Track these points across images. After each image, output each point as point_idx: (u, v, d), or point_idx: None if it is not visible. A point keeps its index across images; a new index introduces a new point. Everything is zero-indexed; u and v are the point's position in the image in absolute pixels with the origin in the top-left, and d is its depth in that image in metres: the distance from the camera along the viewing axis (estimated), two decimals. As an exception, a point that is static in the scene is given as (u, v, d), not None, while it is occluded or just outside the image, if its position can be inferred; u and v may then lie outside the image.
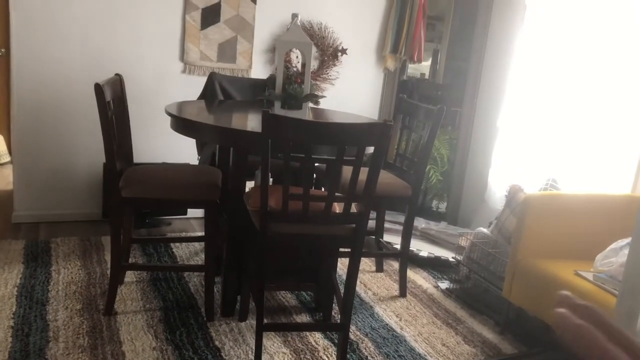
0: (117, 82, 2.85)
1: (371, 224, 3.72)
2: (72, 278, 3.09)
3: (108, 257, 3.18)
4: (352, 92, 4.52)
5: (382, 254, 3.50)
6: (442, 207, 4.64)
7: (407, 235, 3.19)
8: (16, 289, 2.91)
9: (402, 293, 3.27)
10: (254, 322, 2.79)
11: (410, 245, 3.78)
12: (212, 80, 3.54)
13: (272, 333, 2.70)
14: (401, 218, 4.18)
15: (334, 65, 4.41)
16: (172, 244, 3.65)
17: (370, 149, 2.44)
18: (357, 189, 2.21)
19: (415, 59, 4.49)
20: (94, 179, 3.85)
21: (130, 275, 3.15)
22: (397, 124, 3.43)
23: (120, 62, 3.81)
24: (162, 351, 2.48)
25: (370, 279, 3.47)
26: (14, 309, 2.71)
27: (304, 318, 2.92)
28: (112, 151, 2.53)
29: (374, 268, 3.63)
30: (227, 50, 4.10)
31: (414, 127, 3.29)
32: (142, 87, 3.88)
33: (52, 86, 3.71)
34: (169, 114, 2.68)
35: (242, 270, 2.72)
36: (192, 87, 3.85)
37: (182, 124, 2.64)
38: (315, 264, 2.79)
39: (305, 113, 2.79)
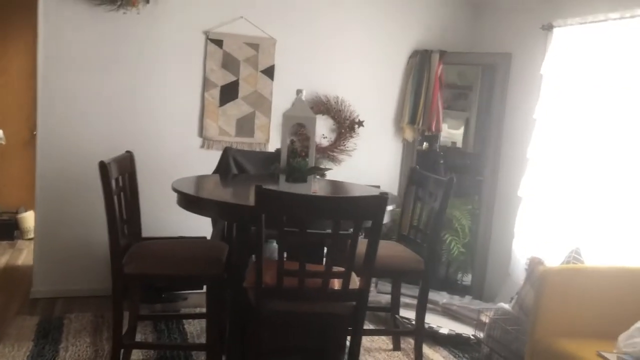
0: (127, 159, 2.91)
1: (387, 299, 3.60)
2: (78, 356, 3.05)
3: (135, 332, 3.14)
4: (370, 163, 4.50)
5: (395, 331, 3.35)
6: (468, 280, 4.46)
7: (421, 310, 3.05)
8: (22, 367, 2.89)
9: (419, 373, 3.10)
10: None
11: (431, 322, 3.65)
12: (227, 155, 3.59)
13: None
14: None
15: (351, 137, 4.42)
16: (184, 321, 3.60)
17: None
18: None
19: (434, 129, 4.47)
20: (111, 253, 3.88)
21: (137, 354, 3.09)
22: (409, 196, 3.36)
23: (141, 137, 3.92)
24: None
25: (385, 358, 3.31)
26: (15, 389, 2.67)
27: (311, 401, 2.77)
28: (115, 228, 2.54)
29: (391, 346, 3.47)
30: (245, 125, 4.17)
31: (426, 198, 3.21)
32: (162, 162, 3.96)
33: (74, 163, 3.81)
34: (174, 190, 2.69)
35: (246, 349, 2.63)
36: (210, 162, 3.88)
37: (184, 198, 2.65)
38: (322, 343, 2.67)
39: (310, 186, 2.76)
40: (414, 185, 3.35)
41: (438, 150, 4.86)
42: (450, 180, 2.94)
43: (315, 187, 2.91)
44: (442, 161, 4.91)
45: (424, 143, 5.13)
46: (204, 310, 3.78)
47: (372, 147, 4.51)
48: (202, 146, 4.09)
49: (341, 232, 2.17)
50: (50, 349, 3.11)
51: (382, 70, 4.49)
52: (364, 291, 2.24)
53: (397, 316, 3.38)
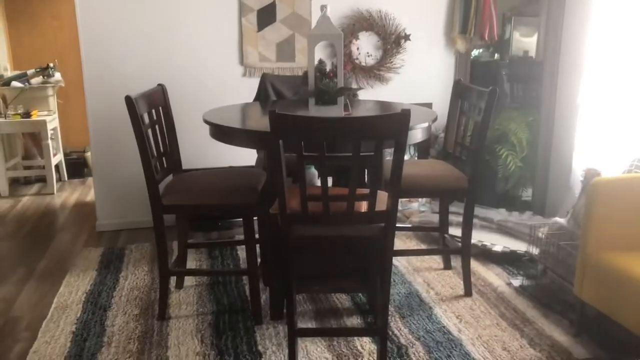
0: (159, 92, 2.91)
1: (436, 217, 3.51)
2: (136, 284, 3.22)
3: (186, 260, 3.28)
4: (421, 80, 4.31)
5: (438, 250, 3.28)
6: (528, 195, 4.27)
7: (466, 228, 2.95)
8: (85, 295, 3.08)
9: (467, 292, 3.04)
10: (304, 324, 2.75)
11: (485, 239, 3.55)
12: (264, 82, 3.53)
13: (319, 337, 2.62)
14: (479, 210, 3.91)
15: (398, 53, 4.21)
16: (238, 247, 3.69)
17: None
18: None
19: (487, 37, 4.17)
20: (166, 186, 4.00)
21: (190, 280, 3.22)
22: (454, 110, 3.19)
23: (182, 70, 3.93)
24: (204, 356, 2.49)
25: (435, 278, 3.27)
26: (78, 315, 2.87)
27: (354, 321, 2.80)
28: (148, 161, 2.58)
29: (442, 265, 3.42)
30: (285, 49, 4.06)
31: (470, 112, 3.04)
32: (205, 93, 3.96)
33: (120, 100, 3.88)
34: (205, 121, 2.68)
35: (284, 274, 2.67)
36: (253, 90, 3.83)
37: (214, 130, 2.64)
38: (359, 266, 2.66)
39: (340, 108, 2.67)
40: (459, 100, 3.17)
41: (507, 61, 4.54)
42: (493, 91, 2.75)
43: (349, 109, 2.81)
44: (504, 72, 4.60)
45: (495, 54, 4.82)
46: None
47: (421, 63, 4.29)
48: (244, 74, 4.04)
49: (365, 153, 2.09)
50: (112, 277, 3.30)
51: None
52: (391, 212, 2.17)
53: (446, 235, 3.30)
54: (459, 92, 3.16)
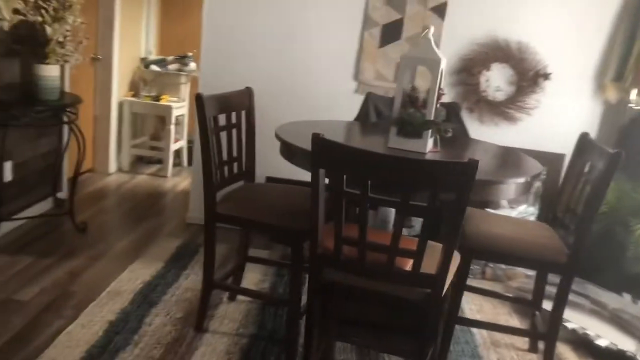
0: (243, 95, 2.78)
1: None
2: (194, 285, 3.12)
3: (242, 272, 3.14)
4: (555, 127, 3.74)
5: (518, 329, 2.75)
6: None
7: (557, 311, 2.44)
8: (141, 285, 3.05)
9: (545, 386, 2.52)
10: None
11: (590, 327, 2.97)
12: (367, 101, 3.27)
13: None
14: (594, 291, 3.30)
15: (534, 92, 3.70)
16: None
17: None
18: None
19: (645, 89, 3.51)
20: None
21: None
22: (573, 170, 2.67)
23: (293, 77, 3.80)
24: (219, 383, 2.30)
25: (512, 358, 2.76)
26: (124, 305, 2.82)
27: (398, 386, 2.43)
28: (209, 163, 2.44)
29: (527, 346, 2.89)
30: (405, 70, 3.75)
31: (589, 174, 2.51)
32: (311, 105, 3.79)
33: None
34: (276, 136, 2.48)
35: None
36: (362, 108, 3.62)
37: (282, 147, 2.43)
38: (400, 326, 2.29)
39: (425, 143, 2.32)
40: (582, 158, 2.65)
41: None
42: (617, 154, 2.22)
43: (437, 146, 2.45)
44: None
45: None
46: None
47: (560, 107, 3.73)
48: (357, 90, 3.79)
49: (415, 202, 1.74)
50: (174, 273, 3.25)
51: (583, 12, 3.62)
52: (438, 278, 1.79)
53: (537, 313, 2.79)
54: (583, 148, 2.64)
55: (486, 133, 3.70)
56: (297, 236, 2.32)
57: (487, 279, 3.63)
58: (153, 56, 5.54)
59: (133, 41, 5.27)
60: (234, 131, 2.71)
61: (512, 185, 2.19)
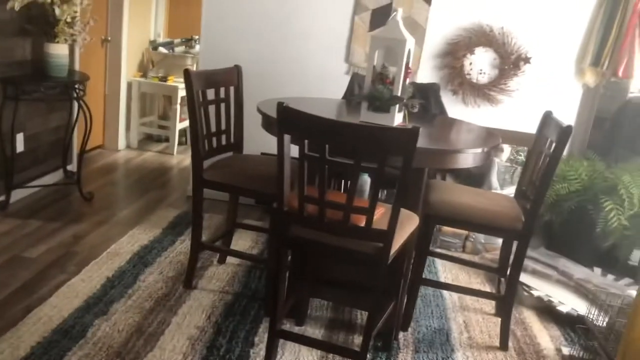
0: (231, 72, 3.00)
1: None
2: (188, 249, 3.33)
3: (234, 240, 3.39)
4: (535, 108, 3.89)
5: (479, 292, 2.93)
6: (636, 259, 3.69)
7: (513, 276, 2.64)
8: (139, 248, 3.31)
9: (503, 345, 2.73)
10: (312, 330, 2.67)
11: (555, 295, 3.17)
12: (352, 81, 3.47)
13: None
14: (563, 263, 3.49)
15: (515, 75, 3.87)
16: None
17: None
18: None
19: (620, 74, 3.66)
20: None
21: (235, 258, 3.29)
22: (537, 145, 2.86)
23: (288, 57, 4.01)
24: (202, 330, 2.55)
25: (478, 321, 2.97)
26: (122, 264, 3.09)
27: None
28: (196, 135, 2.68)
29: (493, 310, 3.10)
30: (393, 53, 3.94)
31: (549, 149, 2.70)
32: (305, 84, 4.00)
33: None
34: (258, 110, 2.69)
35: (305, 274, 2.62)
36: (352, 88, 3.83)
37: (264, 119, 2.65)
38: (363, 281, 2.52)
39: (393, 117, 2.53)
40: (543, 134, 2.83)
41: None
42: (567, 129, 2.41)
43: (405, 121, 2.66)
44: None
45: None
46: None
47: (540, 90, 3.90)
48: (347, 72, 4.00)
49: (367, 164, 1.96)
50: (170, 239, 3.50)
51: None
52: (389, 233, 2.01)
53: (502, 279, 2.99)
54: (545, 125, 2.83)
55: (468, 114, 3.89)
56: (274, 199, 2.55)
57: (467, 252, 3.84)
58: (161, 39, 5.78)
59: (142, 24, 5.52)
60: (223, 106, 2.95)
61: (470, 155, 2.39)
